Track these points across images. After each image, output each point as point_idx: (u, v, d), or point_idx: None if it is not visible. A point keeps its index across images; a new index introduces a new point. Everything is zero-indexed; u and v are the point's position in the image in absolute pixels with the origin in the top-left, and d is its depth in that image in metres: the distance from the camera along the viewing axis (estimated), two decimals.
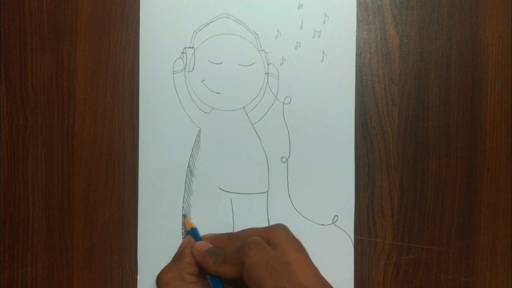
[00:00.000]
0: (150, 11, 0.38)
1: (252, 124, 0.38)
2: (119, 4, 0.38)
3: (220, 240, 0.33)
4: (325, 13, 0.38)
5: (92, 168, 0.38)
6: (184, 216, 0.37)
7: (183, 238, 0.37)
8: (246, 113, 0.38)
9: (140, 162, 0.38)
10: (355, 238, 0.38)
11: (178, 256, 0.33)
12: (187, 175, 0.37)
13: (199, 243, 0.33)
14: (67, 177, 0.38)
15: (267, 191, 0.38)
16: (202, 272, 0.32)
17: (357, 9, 0.38)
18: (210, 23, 0.38)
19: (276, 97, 0.38)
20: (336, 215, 0.38)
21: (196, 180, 0.37)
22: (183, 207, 0.37)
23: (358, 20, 0.38)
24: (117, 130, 0.38)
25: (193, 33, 0.38)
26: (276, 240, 0.30)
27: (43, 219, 0.38)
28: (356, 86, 0.38)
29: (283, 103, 0.38)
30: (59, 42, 0.38)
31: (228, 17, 0.38)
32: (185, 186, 0.37)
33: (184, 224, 0.37)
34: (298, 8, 0.38)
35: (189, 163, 0.37)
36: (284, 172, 0.38)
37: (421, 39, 0.38)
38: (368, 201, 0.38)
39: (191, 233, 0.35)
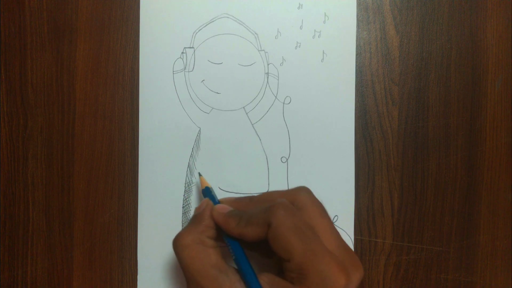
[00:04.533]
0: (150, 11, 0.38)
1: (252, 124, 0.38)
2: (119, 4, 0.38)
3: (242, 203, 0.32)
4: (325, 13, 0.38)
5: (92, 168, 0.38)
6: (200, 174, 0.36)
7: (183, 207, 0.37)
8: (246, 113, 0.38)
9: (140, 162, 0.38)
10: (355, 238, 0.38)
11: (197, 219, 0.31)
12: (187, 175, 0.37)
13: (219, 206, 0.31)
14: (67, 177, 0.38)
15: (267, 191, 0.38)
16: (220, 236, 0.31)
17: (357, 9, 0.38)
18: (210, 23, 0.38)
19: (276, 97, 0.38)
20: (336, 215, 0.38)
21: (196, 180, 0.37)
22: (183, 207, 0.37)
23: (358, 20, 0.38)
24: (117, 130, 0.38)
25: (193, 33, 0.38)
26: (300, 203, 0.29)
27: (43, 219, 0.38)
28: (356, 86, 0.38)
29: (283, 103, 0.38)
30: (59, 42, 0.38)
31: (228, 17, 0.38)
32: (185, 186, 0.37)
33: (199, 183, 0.36)
34: (298, 8, 0.38)
35: (189, 163, 0.38)
36: (284, 172, 0.38)
37: (421, 39, 0.38)
38: (368, 201, 0.38)
39: (207, 193, 0.34)
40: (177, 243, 0.29)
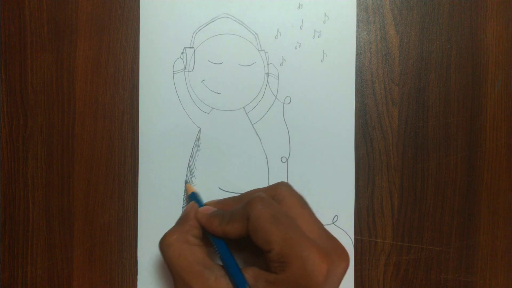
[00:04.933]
0: (150, 11, 0.38)
1: (252, 124, 0.38)
2: (119, 4, 0.38)
3: (225, 204, 0.33)
4: (325, 13, 0.38)
5: (92, 168, 0.38)
6: (186, 182, 0.37)
7: (183, 207, 0.37)
8: (246, 113, 0.38)
9: (140, 162, 0.38)
10: (355, 238, 0.38)
11: (182, 220, 0.32)
12: (187, 175, 0.37)
13: (203, 207, 0.32)
14: (67, 177, 0.38)
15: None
16: (206, 236, 0.32)
17: (357, 9, 0.38)
18: (210, 23, 0.38)
19: (276, 97, 0.38)
20: (336, 215, 0.38)
21: (196, 180, 0.37)
22: (183, 207, 0.37)
23: (358, 20, 0.38)
24: (117, 130, 0.38)
25: (193, 33, 0.38)
26: (280, 196, 0.30)
27: (43, 219, 0.38)
28: (356, 86, 0.38)
29: (283, 103, 0.38)
30: (59, 42, 0.38)
31: (228, 17, 0.38)
32: (185, 187, 0.37)
33: (185, 190, 0.37)
34: (298, 8, 0.38)
35: (189, 163, 0.38)
36: (284, 172, 0.38)
37: (421, 39, 0.38)
38: (368, 201, 0.38)
39: (192, 197, 0.35)
40: (163, 243, 0.30)
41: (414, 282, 0.38)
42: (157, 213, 0.37)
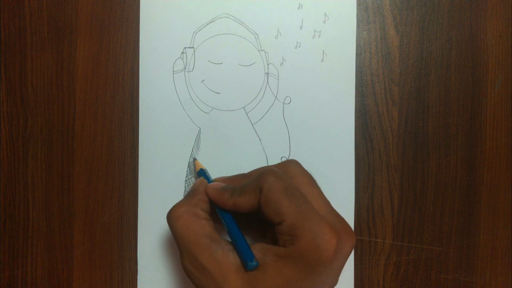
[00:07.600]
0: (150, 11, 0.38)
1: (252, 124, 0.38)
2: (119, 4, 0.38)
3: (233, 180, 0.33)
4: (325, 13, 0.38)
5: (92, 168, 0.38)
6: (195, 159, 0.37)
7: (185, 187, 0.37)
8: (246, 113, 0.38)
9: (140, 162, 0.38)
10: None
11: (191, 193, 0.32)
12: (187, 175, 0.37)
13: (213, 183, 0.32)
14: (67, 177, 0.38)
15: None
16: (214, 213, 0.32)
17: (357, 9, 0.38)
18: (210, 23, 0.38)
19: (276, 97, 0.38)
20: None
21: (196, 180, 0.37)
22: None
23: (358, 20, 0.38)
24: (117, 130, 0.38)
25: (193, 33, 0.38)
26: (290, 174, 0.30)
27: (43, 219, 0.38)
28: (356, 86, 0.38)
29: (283, 103, 0.38)
30: (59, 42, 0.38)
31: (228, 17, 0.38)
32: (185, 186, 0.37)
33: (194, 166, 0.37)
34: (298, 8, 0.38)
35: (189, 163, 0.38)
36: None
37: (421, 39, 0.38)
38: (368, 201, 0.38)
39: (201, 174, 0.35)
40: (171, 214, 0.30)
41: (414, 282, 0.38)
42: (157, 213, 0.37)
